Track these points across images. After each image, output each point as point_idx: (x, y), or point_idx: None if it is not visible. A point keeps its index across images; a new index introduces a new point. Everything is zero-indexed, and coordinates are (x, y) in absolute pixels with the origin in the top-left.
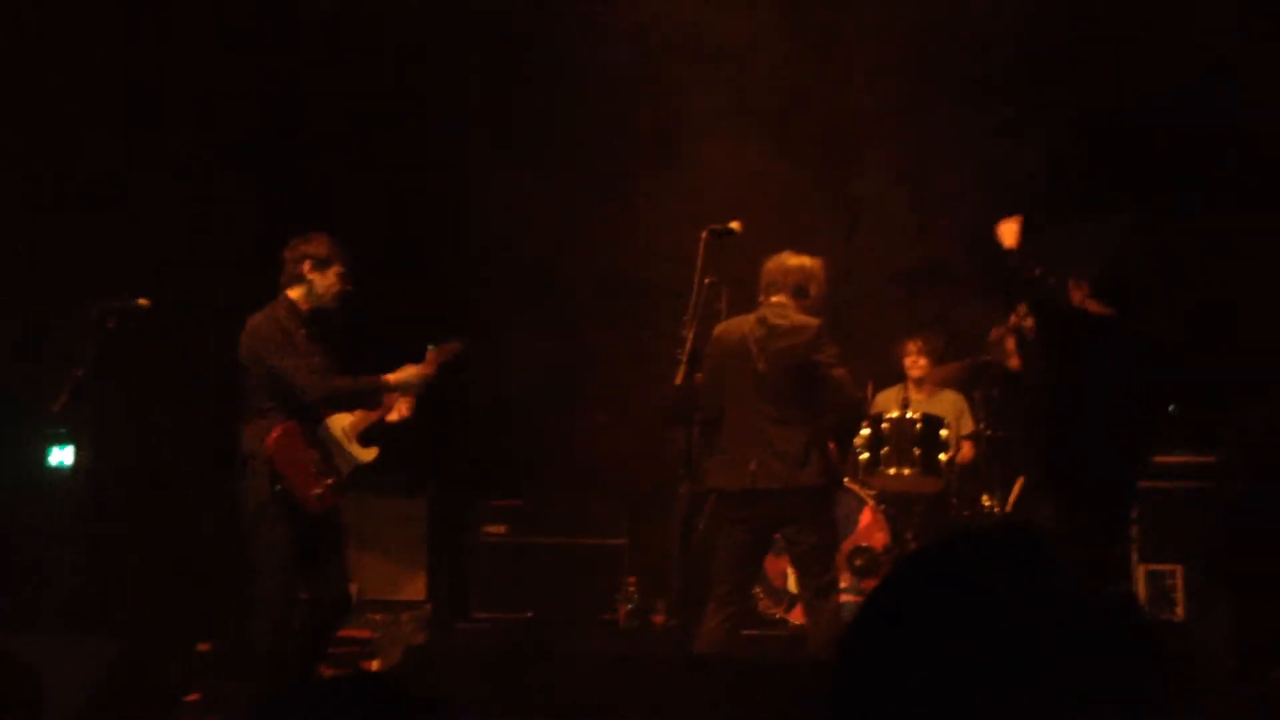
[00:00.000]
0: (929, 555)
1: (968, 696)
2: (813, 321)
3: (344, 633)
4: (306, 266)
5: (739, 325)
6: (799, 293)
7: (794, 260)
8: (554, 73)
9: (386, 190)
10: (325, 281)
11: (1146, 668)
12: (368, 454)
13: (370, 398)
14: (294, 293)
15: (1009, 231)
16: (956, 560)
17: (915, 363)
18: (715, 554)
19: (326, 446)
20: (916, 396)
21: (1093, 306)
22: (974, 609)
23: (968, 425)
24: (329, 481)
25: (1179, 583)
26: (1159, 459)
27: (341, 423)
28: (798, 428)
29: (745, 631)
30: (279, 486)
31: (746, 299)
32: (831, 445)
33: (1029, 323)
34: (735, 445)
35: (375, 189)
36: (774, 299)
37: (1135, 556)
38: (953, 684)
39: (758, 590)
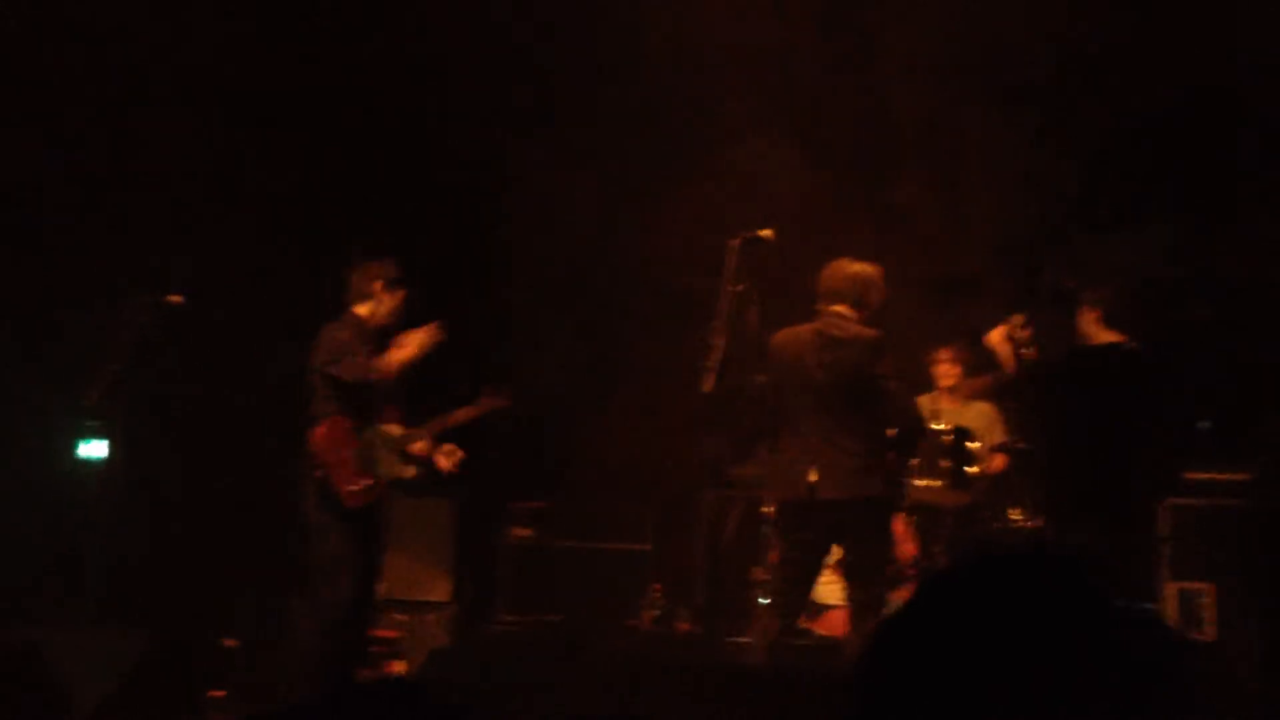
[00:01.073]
0: (961, 570)
1: (989, 712)
2: (871, 333)
3: (369, 632)
4: (379, 286)
5: (797, 335)
6: (859, 303)
7: (854, 268)
8: (590, 78)
9: (421, 194)
10: (393, 302)
11: (1174, 687)
12: (407, 470)
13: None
14: (362, 309)
15: (998, 337)
16: (988, 577)
17: (948, 372)
18: (777, 565)
19: (371, 451)
20: (948, 406)
21: (1102, 333)
22: (1003, 627)
23: (999, 437)
24: (367, 481)
25: (1210, 601)
26: (1191, 475)
27: (391, 432)
28: (857, 439)
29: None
30: (318, 473)
31: (777, 307)
32: (890, 457)
33: (1023, 334)
34: (793, 455)
35: (410, 193)
36: (833, 308)
37: (1166, 574)
38: (976, 700)
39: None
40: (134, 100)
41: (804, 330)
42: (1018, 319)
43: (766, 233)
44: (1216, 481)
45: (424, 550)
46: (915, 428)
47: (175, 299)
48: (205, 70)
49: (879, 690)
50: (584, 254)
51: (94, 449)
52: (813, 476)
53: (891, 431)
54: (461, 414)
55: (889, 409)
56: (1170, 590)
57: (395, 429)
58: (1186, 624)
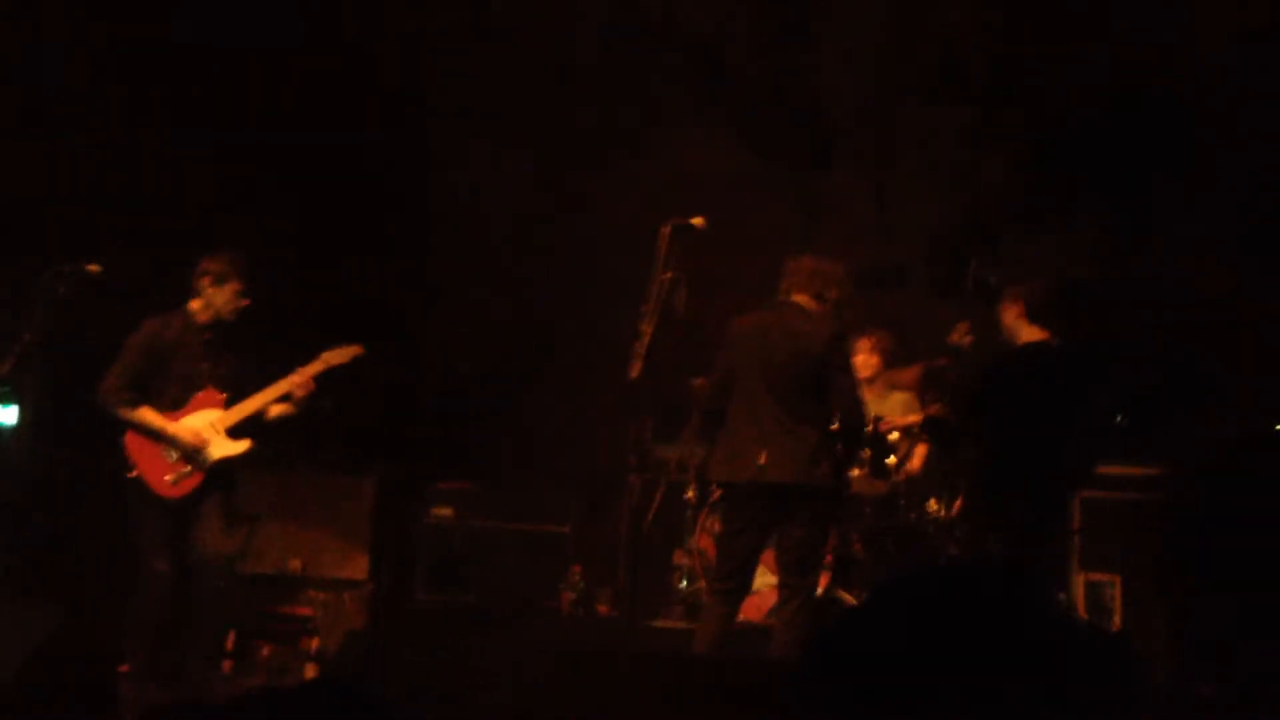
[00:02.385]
0: (910, 583)
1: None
2: (833, 325)
3: (285, 609)
4: (205, 282)
5: (757, 320)
6: (820, 296)
7: (816, 263)
8: (523, 59)
9: (349, 165)
10: (222, 297)
11: (1111, 690)
12: (236, 447)
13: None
14: (193, 304)
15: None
16: (938, 591)
17: (867, 361)
18: (718, 549)
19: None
20: (867, 395)
21: (1026, 329)
22: (948, 640)
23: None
24: (183, 469)
25: (1117, 593)
26: (1103, 470)
27: (207, 417)
28: (811, 427)
29: (693, 625)
30: (132, 474)
31: (705, 295)
32: (839, 449)
33: (968, 340)
34: (742, 438)
35: (338, 162)
36: (795, 298)
37: (1075, 565)
38: (918, 698)
39: (702, 583)
40: (54, 75)
41: (768, 316)
42: (963, 326)
43: (697, 220)
44: (1127, 476)
45: (342, 527)
46: (858, 424)
47: (93, 268)
48: (119, 38)
49: (820, 688)
50: (513, 235)
51: (4, 415)
52: (762, 459)
53: (835, 424)
54: (296, 376)
55: (838, 401)
56: (1079, 580)
57: (213, 413)
58: (1094, 614)
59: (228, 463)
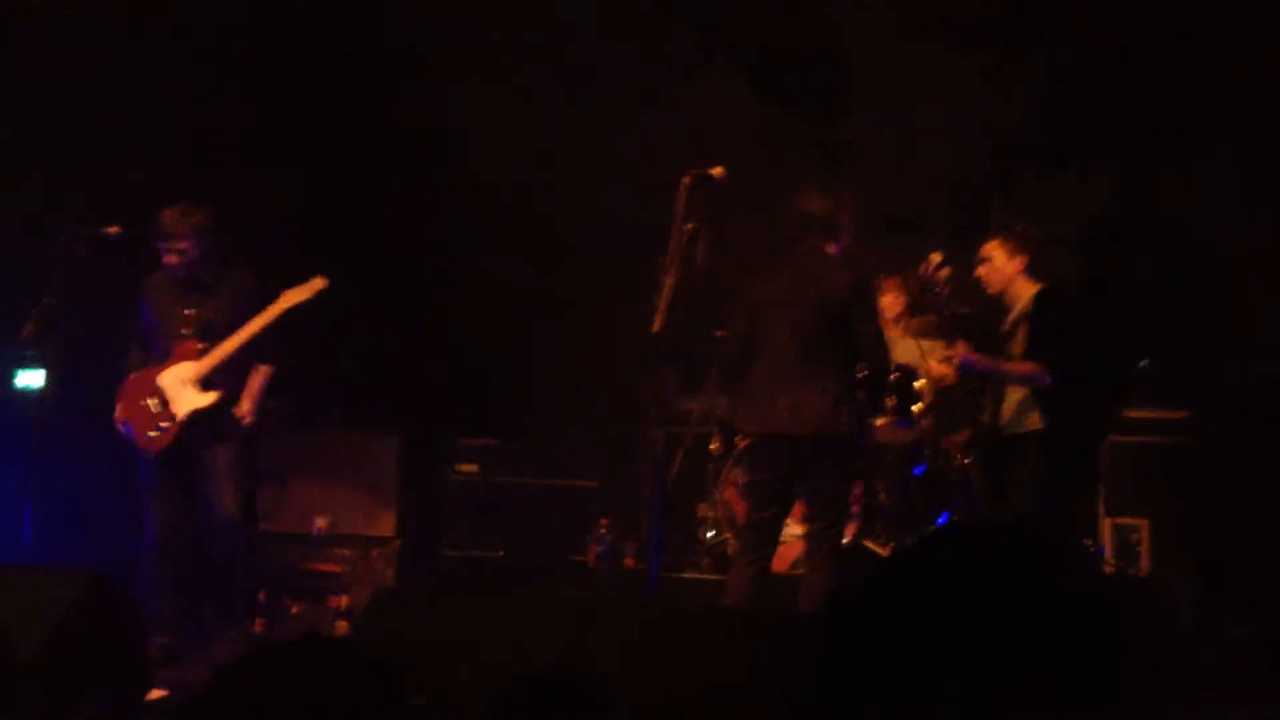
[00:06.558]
0: (939, 544)
1: (951, 680)
2: (850, 272)
3: (313, 567)
4: (189, 241)
5: (775, 270)
6: (831, 232)
7: (822, 199)
8: (534, 12)
9: (365, 117)
10: (200, 250)
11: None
12: (204, 399)
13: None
14: (171, 259)
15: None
16: (968, 547)
17: (894, 301)
18: (745, 501)
19: (166, 392)
20: (891, 333)
21: (1022, 282)
22: (976, 600)
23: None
24: (164, 424)
25: (1145, 537)
26: (1131, 414)
27: (180, 372)
28: (829, 377)
29: (719, 576)
30: (121, 428)
31: (726, 246)
32: (861, 397)
33: (944, 274)
34: (766, 390)
35: (353, 115)
36: (808, 243)
37: (1103, 510)
38: (939, 667)
39: (728, 534)
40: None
41: (785, 265)
42: (935, 258)
43: (717, 170)
44: (1155, 419)
45: (368, 484)
46: (882, 372)
47: (112, 229)
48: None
49: (846, 659)
50: (535, 185)
51: (31, 379)
52: (783, 409)
53: (862, 372)
54: (260, 320)
55: (861, 350)
56: (1106, 525)
57: (187, 366)
58: (1122, 558)
59: (198, 414)
